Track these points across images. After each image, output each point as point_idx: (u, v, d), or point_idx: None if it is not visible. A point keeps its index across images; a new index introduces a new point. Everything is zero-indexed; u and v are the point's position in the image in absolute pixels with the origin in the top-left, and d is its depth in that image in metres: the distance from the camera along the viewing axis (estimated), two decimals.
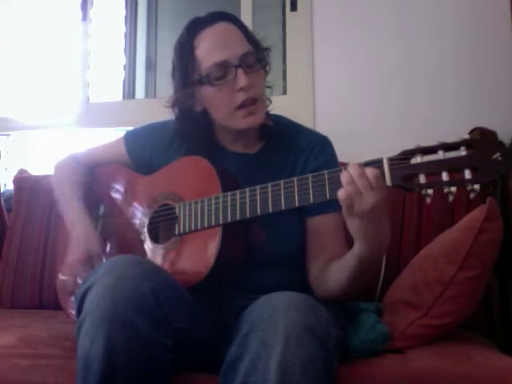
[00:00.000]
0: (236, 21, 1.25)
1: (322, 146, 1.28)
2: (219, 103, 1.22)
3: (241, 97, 1.18)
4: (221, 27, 1.21)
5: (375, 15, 2.10)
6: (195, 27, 1.23)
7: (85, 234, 1.27)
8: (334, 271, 1.14)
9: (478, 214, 1.21)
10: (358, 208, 0.97)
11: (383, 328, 1.15)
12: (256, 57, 1.22)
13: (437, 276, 1.21)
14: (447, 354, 1.13)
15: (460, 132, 1.75)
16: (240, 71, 1.17)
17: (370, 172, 0.96)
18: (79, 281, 1.24)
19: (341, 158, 1.31)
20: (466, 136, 0.92)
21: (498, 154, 0.88)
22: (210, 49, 1.19)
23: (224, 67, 1.18)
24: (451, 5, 2.05)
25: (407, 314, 1.22)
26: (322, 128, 1.45)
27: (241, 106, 1.19)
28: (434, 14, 2.05)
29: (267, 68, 1.27)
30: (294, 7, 2.19)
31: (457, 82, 2.01)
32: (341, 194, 0.97)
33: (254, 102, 1.19)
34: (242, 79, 1.17)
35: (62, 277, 1.30)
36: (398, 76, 2.05)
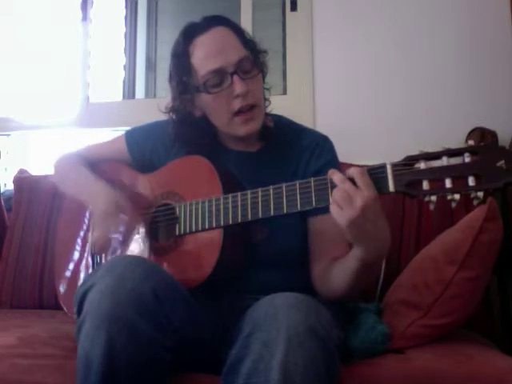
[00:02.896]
0: (232, 25, 1.24)
1: (323, 146, 1.28)
2: (217, 110, 1.22)
3: (238, 103, 1.18)
4: (216, 33, 1.21)
5: (375, 15, 2.10)
6: (190, 34, 1.22)
7: (107, 192, 1.25)
8: (337, 272, 1.13)
9: (478, 214, 1.20)
10: (349, 213, 0.95)
11: (383, 329, 1.15)
12: (252, 61, 1.21)
13: (437, 276, 1.21)
14: (447, 354, 1.13)
15: (460, 132, 1.77)
16: (236, 78, 1.17)
17: (353, 171, 0.96)
18: (112, 235, 1.22)
19: (341, 158, 1.31)
20: (470, 141, 0.91)
21: (503, 161, 0.87)
22: (205, 56, 1.19)
23: (220, 74, 1.18)
24: (451, 5, 2.05)
25: (407, 314, 1.22)
26: (321, 128, 1.45)
27: (238, 113, 1.19)
28: (434, 13, 2.06)
29: (265, 70, 1.27)
30: (293, 7, 2.19)
31: (457, 81, 2.01)
32: (332, 209, 0.97)
33: (252, 108, 1.19)
34: (238, 86, 1.16)
35: (94, 235, 1.26)
36: (397, 76, 2.05)
